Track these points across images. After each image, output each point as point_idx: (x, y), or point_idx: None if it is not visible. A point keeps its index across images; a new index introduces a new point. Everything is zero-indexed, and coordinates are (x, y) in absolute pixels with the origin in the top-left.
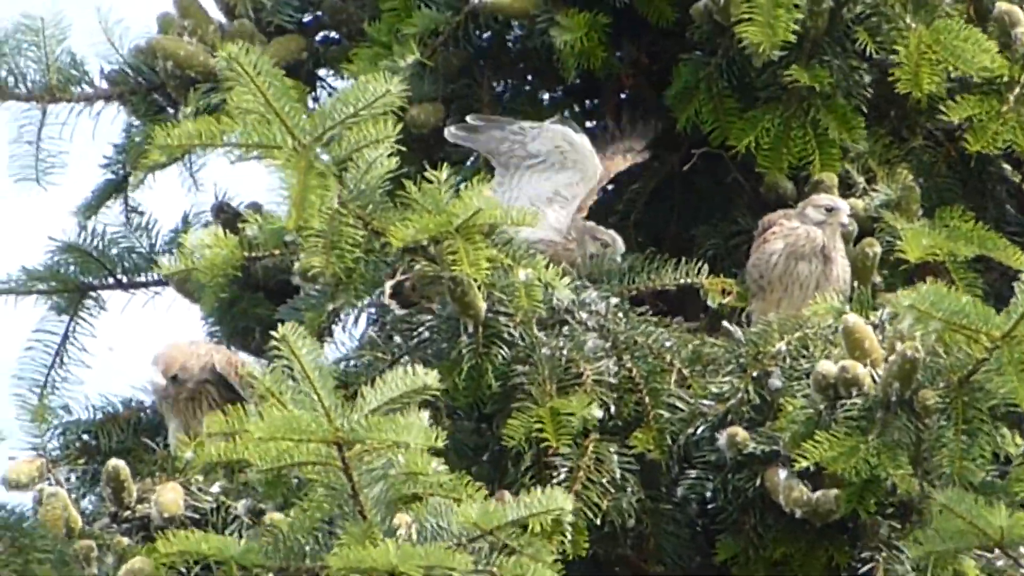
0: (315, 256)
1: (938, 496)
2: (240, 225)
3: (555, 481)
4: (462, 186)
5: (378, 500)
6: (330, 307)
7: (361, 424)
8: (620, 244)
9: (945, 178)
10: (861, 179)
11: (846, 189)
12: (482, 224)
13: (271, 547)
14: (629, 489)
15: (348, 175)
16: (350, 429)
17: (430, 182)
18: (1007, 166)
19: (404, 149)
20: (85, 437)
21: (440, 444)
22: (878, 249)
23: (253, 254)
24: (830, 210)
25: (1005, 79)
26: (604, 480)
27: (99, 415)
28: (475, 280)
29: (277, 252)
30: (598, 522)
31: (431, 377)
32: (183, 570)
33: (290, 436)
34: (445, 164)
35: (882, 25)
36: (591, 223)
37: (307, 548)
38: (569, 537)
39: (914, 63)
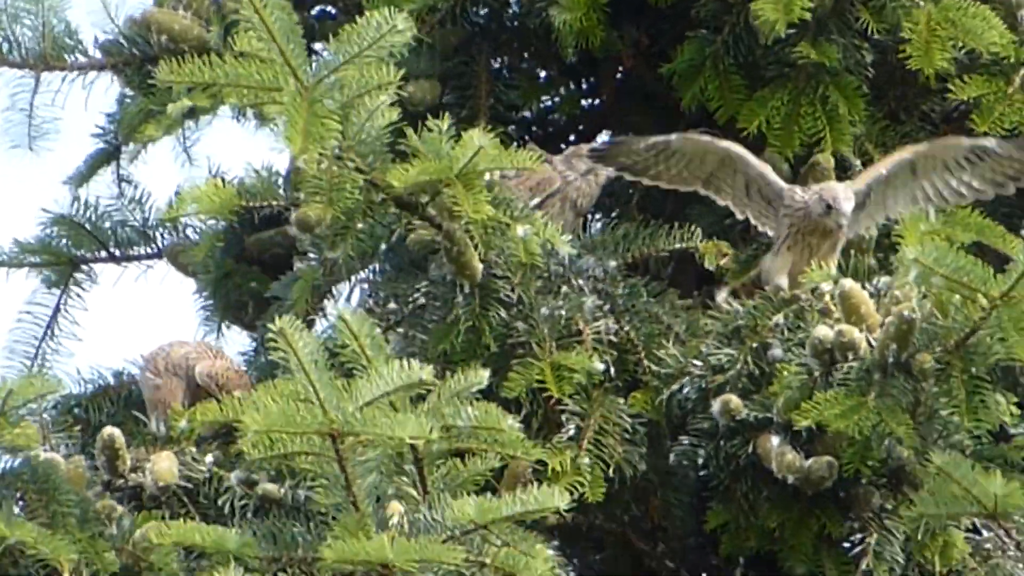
0: (314, 202)
1: (935, 459)
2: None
3: (565, 435)
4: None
5: (370, 491)
6: (328, 256)
7: (356, 417)
8: None
9: None
10: (857, 162)
11: (842, 171)
12: (482, 169)
13: (266, 538)
14: (637, 440)
15: (349, 123)
16: (344, 421)
17: (431, 131)
18: None
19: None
20: (76, 411)
21: (434, 436)
22: (874, 231)
23: (250, 203)
24: (829, 208)
25: (1011, 60)
26: (615, 430)
27: (90, 388)
28: (475, 231)
29: (275, 202)
30: (610, 472)
31: (427, 372)
32: None
33: (286, 429)
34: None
35: (887, 4)
36: (568, 150)
37: (300, 539)
38: (588, 480)
39: (924, 40)
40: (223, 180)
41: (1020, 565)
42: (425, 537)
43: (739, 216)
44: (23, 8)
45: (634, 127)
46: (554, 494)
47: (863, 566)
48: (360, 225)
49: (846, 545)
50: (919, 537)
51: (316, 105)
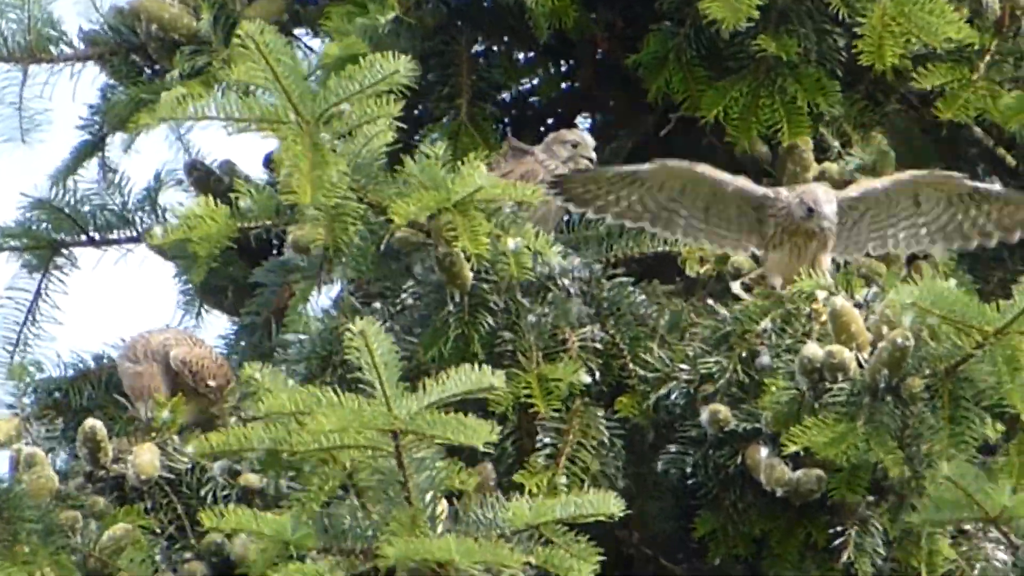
0: (316, 229)
1: (945, 469)
2: (232, 195)
3: (538, 447)
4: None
5: (424, 488)
6: (323, 277)
7: (423, 417)
8: (588, 139)
9: (919, 142)
10: (836, 143)
11: (821, 153)
12: (480, 200)
13: (320, 530)
14: (614, 453)
15: (347, 148)
16: (409, 419)
17: (427, 157)
18: (979, 131)
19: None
20: (57, 395)
21: (495, 439)
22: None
23: (246, 224)
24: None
25: (976, 47)
26: (592, 444)
27: (70, 372)
28: (475, 255)
29: (269, 222)
30: (585, 486)
31: (498, 378)
32: (158, 530)
33: (354, 426)
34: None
35: None
36: (547, 138)
37: (350, 531)
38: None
39: (877, 35)
40: (197, 188)
41: (1009, 562)
42: (485, 539)
43: (692, 243)
44: (8, 3)
45: (612, 110)
46: (611, 500)
47: (844, 557)
48: (358, 242)
49: (830, 548)
50: (909, 543)
51: (317, 138)
